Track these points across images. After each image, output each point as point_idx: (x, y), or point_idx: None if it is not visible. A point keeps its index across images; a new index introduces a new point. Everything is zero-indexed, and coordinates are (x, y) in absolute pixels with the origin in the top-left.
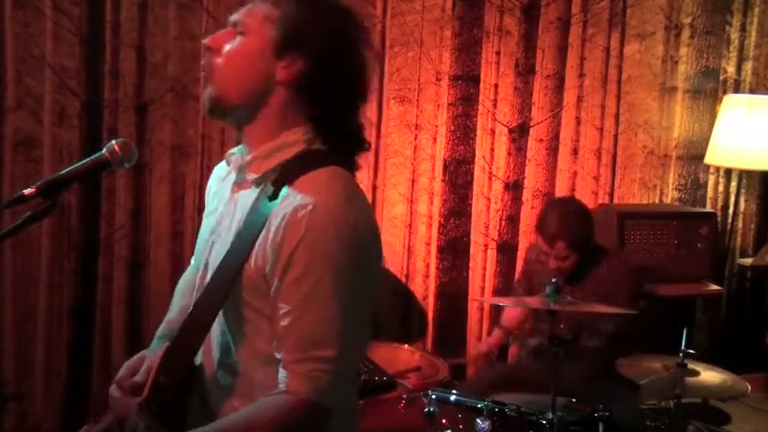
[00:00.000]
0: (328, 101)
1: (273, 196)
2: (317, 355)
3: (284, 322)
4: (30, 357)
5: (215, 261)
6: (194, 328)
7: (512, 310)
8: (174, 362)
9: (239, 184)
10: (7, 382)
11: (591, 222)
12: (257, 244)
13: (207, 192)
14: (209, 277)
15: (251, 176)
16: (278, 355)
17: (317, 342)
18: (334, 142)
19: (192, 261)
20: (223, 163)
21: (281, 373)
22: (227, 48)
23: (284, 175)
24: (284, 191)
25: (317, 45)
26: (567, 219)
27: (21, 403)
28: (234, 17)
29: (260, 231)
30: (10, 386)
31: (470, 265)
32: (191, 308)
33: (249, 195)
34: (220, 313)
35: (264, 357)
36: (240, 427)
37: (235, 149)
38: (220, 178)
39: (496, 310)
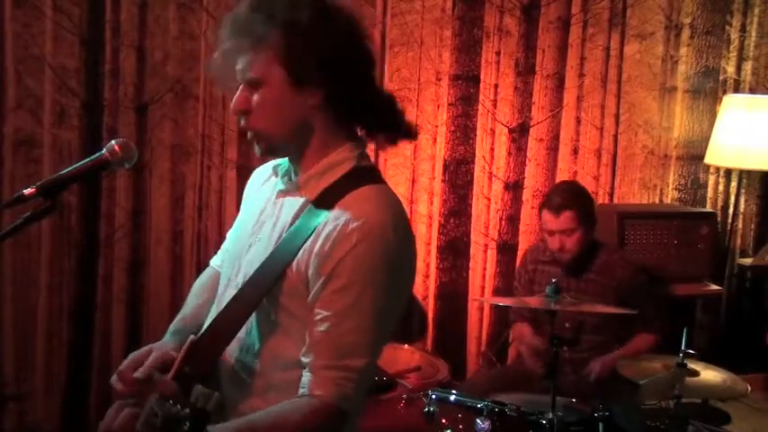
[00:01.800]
0: (359, 98)
1: (323, 206)
2: (347, 364)
3: (321, 328)
4: (30, 357)
5: (251, 263)
6: (226, 324)
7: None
8: (201, 354)
9: (286, 192)
10: (7, 382)
11: (594, 205)
12: (302, 250)
13: (245, 195)
14: (243, 277)
15: (306, 196)
16: (305, 359)
17: (350, 352)
18: (380, 130)
19: (216, 260)
20: (264, 168)
21: (306, 376)
22: (254, 104)
23: (336, 190)
24: (336, 204)
25: (329, 63)
26: (575, 192)
27: (21, 403)
28: (243, 76)
29: (307, 238)
30: (10, 386)
31: (470, 265)
32: (224, 304)
33: (295, 202)
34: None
35: (286, 361)
36: (266, 427)
37: (281, 161)
38: (260, 182)
39: (499, 311)
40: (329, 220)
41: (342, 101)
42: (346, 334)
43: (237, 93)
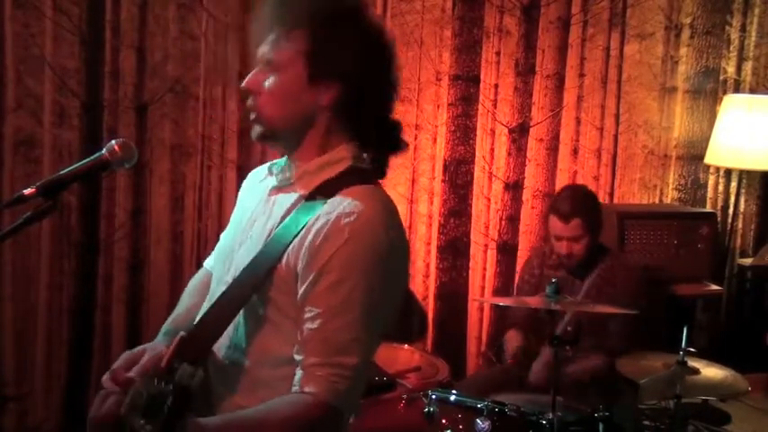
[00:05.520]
0: (368, 112)
1: (316, 201)
2: (339, 361)
3: (311, 325)
4: (30, 357)
5: (242, 259)
6: (216, 319)
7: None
8: (190, 350)
9: (279, 188)
10: (7, 382)
11: (601, 210)
12: (292, 245)
13: (240, 194)
14: (233, 274)
15: (300, 191)
16: (297, 357)
17: (341, 349)
18: (374, 148)
19: (209, 261)
20: (260, 168)
21: (299, 374)
22: (265, 86)
23: (330, 186)
24: (329, 200)
25: (349, 69)
26: (584, 199)
27: (21, 403)
28: (264, 55)
29: (298, 233)
30: (10, 386)
31: (470, 265)
32: (214, 300)
33: (288, 199)
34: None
35: (276, 358)
36: (254, 421)
37: (278, 161)
38: (255, 182)
39: (499, 312)
40: (321, 215)
41: (351, 108)
42: (338, 331)
43: (253, 71)
